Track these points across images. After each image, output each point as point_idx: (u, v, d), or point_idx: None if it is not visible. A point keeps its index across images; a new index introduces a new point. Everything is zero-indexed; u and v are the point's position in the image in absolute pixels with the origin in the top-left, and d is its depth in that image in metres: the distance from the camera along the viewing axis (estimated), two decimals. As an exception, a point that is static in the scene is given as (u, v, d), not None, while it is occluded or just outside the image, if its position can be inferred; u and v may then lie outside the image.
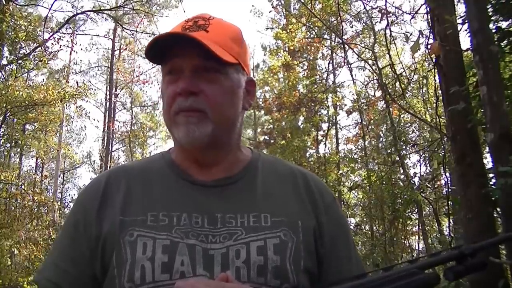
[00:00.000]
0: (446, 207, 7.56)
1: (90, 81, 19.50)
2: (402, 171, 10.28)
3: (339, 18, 9.56)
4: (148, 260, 0.86)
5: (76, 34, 15.28)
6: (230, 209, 0.92)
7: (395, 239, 10.98)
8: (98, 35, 25.25)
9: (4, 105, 9.28)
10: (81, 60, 22.66)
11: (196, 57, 0.91)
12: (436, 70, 4.94)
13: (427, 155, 8.90)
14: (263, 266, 0.86)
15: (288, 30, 13.62)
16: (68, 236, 0.97)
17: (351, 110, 14.17)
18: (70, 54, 17.22)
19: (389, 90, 8.41)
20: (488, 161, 4.02)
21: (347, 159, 13.42)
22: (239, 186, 0.97)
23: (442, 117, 6.14)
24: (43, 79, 14.96)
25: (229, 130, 0.98)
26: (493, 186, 3.57)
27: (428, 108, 11.57)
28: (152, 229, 0.89)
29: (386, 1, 7.10)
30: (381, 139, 14.22)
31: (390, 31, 7.24)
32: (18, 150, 14.61)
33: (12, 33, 9.51)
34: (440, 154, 6.86)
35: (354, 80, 14.06)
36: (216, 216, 0.91)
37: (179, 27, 0.95)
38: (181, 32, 0.93)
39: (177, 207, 0.92)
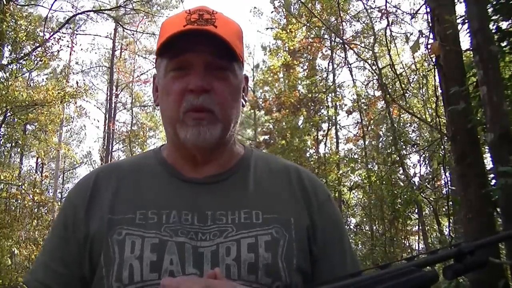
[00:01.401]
0: (446, 207, 7.56)
1: (91, 82, 19.55)
2: (402, 171, 10.28)
3: (339, 18, 9.57)
4: (136, 259, 0.84)
5: (76, 34, 15.28)
6: (221, 206, 0.91)
7: (395, 239, 10.99)
8: (100, 36, 25.24)
9: (5, 105, 9.28)
10: (83, 61, 22.69)
11: (209, 53, 0.89)
12: (436, 70, 4.94)
13: (427, 155, 8.90)
14: (254, 263, 0.84)
15: (288, 30, 13.63)
16: (58, 236, 0.95)
17: (351, 110, 14.18)
18: (70, 54, 17.24)
19: (389, 90, 8.41)
20: (488, 161, 4.02)
21: (347, 159, 13.43)
22: (230, 182, 0.95)
23: (442, 117, 6.14)
24: (43, 79, 14.95)
25: (232, 128, 0.97)
26: (493, 186, 3.57)
27: (428, 108, 11.58)
28: (140, 227, 0.87)
29: (386, 1, 7.11)
30: (381, 139, 14.23)
31: (391, 31, 7.25)
32: (19, 150, 14.60)
33: (13, 33, 9.51)
34: (440, 154, 6.86)
35: (354, 80, 14.08)
36: (207, 213, 0.89)
37: (182, 19, 0.90)
38: (199, 27, 0.88)
39: (166, 205, 0.90)
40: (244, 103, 1.00)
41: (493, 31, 3.83)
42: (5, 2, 9.30)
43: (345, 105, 14.75)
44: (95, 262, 0.88)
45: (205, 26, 0.89)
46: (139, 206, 0.91)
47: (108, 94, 20.85)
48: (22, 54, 10.11)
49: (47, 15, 11.65)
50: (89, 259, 0.89)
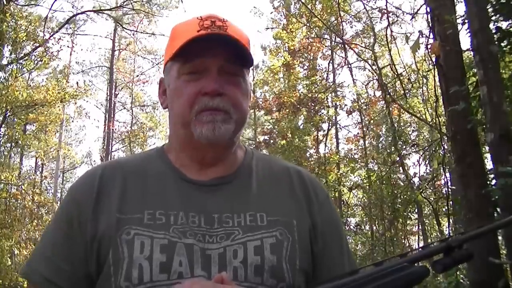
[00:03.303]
0: (446, 207, 7.56)
1: (91, 82, 19.53)
2: (402, 171, 10.28)
3: (339, 18, 9.57)
4: (146, 260, 0.85)
5: (76, 34, 15.29)
6: (226, 208, 0.92)
7: (395, 239, 10.99)
8: (100, 36, 25.17)
9: (5, 105, 9.28)
10: (83, 60, 22.65)
11: (222, 58, 0.92)
12: (436, 70, 4.94)
13: (427, 155, 8.91)
14: (260, 266, 0.86)
15: (288, 30, 13.64)
16: (62, 233, 0.94)
17: (351, 110, 14.18)
18: (70, 54, 17.25)
19: (389, 90, 8.41)
20: (488, 161, 4.02)
21: (347, 159, 13.43)
22: (234, 185, 0.97)
23: (442, 117, 6.14)
24: (43, 79, 14.93)
25: (242, 130, 1.00)
26: (493, 187, 3.57)
27: (428, 108, 11.57)
28: (149, 227, 0.88)
29: (386, 1, 7.11)
30: (381, 139, 14.23)
31: (391, 30, 7.25)
32: (19, 150, 14.60)
33: (13, 33, 9.50)
34: (440, 154, 6.86)
35: (354, 80, 14.08)
36: (213, 216, 0.91)
37: (195, 25, 0.93)
38: (217, 31, 0.91)
39: (173, 206, 0.92)
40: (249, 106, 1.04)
41: (493, 31, 3.82)
42: (5, 2, 9.31)
43: (345, 105, 14.75)
44: (102, 260, 0.88)
45: (216, 32, 0.92)
46: (147, 206, 0.92)
47: (108, 94, 20.85)
48: (22, 54, 10.11)
49: (47, 15, 11.64)
50: (96, 257, 0.89)
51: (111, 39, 20.24)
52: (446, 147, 6.11)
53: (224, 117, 0.92)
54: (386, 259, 0.75)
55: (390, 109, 10.29)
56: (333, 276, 0.80)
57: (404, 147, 10.19)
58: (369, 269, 0.74)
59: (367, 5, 9.26)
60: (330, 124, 14.94)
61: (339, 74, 24.59)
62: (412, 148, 10.48)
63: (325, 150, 14.89)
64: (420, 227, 11.15)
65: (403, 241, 11.90)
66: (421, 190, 9.12)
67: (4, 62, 10.00)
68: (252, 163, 1.02)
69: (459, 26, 4.21)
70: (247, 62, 0.95)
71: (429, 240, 11.08)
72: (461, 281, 4.62)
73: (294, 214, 0.95)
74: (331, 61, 15.52)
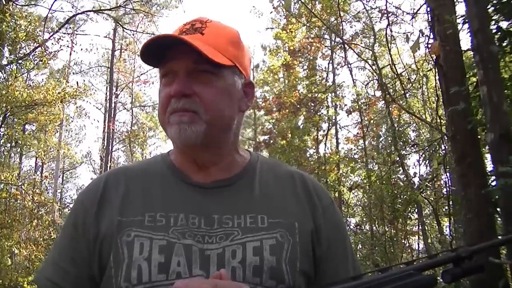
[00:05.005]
0: (446, 207, 7.57)
1: (90, 82, 19.51)
2: (402, 171, 10.28)
3: (339, 18, 9.58)
4: (144, 260, 0.86)
5: (76, 34, 15.27)
6: (227, 210, 0.93)
7: (395, 239, 10.98)
8: (99, 36, 25.16)
9: (4, 105, 9.28)
10: (81, 61, 22.63)
11: (190, 60, 0.93)
12: (436, 70, 4.94)
13: (427, 155, 8.90)
14: (258, 266, 0.87)
15: (288, 30, 13.64)
16: (68, 236, 0.98)
17: (351, 110, 14.17)
18: (70, 54, 17.24)
19: (389, 90, 8.41)
20: (488, 161, 4.01)
21: (347, 159, 13.43)
22: (236, 187, 0.98)
23: (442, 117, 6.14)
24: (43, 79, 14.90)
25: (224, 130, 0.98)
26: (493, 187, 3.56)
27: (428, 108, 11.57)
28: (149, 229, 0.90)
29: (386, 1, 7.10)
30: (381, 139, 14.23)
31: (391, 30, 7.25)
32: (18, 150, 14.58)
33: (12, 33, 9.49)
34: (440, 154, 6.86)
35: (354, 80, 14.07)
36: (213, 217, 0.92)
37: (177, 30, 0.97)
38: (174, 35, 0.94)
39: (174, 208, 0.93)
40: (244, 107, 1.02)
41: (494, 31, 3.82)
42: (4, 2, 9.29)
43: (345, 105, 14.75)
44: (104, 262, 0.91)
45: (190, 34, 0.94)
46: (148, 209, 0.94)
47: (108, 94, 20.83)
48: (21, 54, 10.10)
49: (47, 15, 11.64)
50: (98, 259, 0.92)
51: (110, 39, 20.23)
52: (446, 147, 6.10)
53: (190, 118, 0.92)
54: (393, 266, 0.74)
55: (390, 109, 10.28)
56: (337, 280, 0.81)
57: (404, 147, 10.18)
58: (375, 275, 0.73)
59: (367, 5, 9.26)
60: (330, 124, 14.95)
61: (339, 74, 24.61)
62: (412, 148, 10.48)
63: (325, 150, 14.89)
64: (420, 227, 11.14)
65: (403, 241, 11.89)
66: (421, 190, 9.11)
67: (4, 62, 9.99)
68: (256, 166, 1.03)
69: (459, 26, 4.21)
70: (215, 61, 0.92)
71: (429, 240, 11.07)
72: (461, 280, 4.61)
73: (296, 217, 0.95)
74: (331, 61, 15.53)
